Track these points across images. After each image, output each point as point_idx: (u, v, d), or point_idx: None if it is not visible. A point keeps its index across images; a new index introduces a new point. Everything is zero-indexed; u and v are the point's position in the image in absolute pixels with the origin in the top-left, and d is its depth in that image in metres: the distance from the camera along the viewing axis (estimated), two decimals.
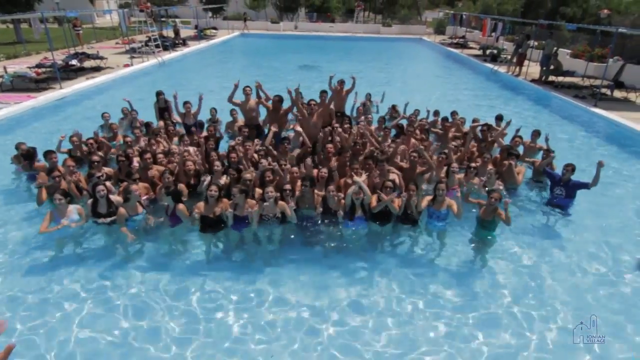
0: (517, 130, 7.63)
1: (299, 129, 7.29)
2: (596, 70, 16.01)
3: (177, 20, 36.71)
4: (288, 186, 5.53)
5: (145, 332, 4.19)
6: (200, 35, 28.52)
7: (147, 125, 8.30)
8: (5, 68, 14.34)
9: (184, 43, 24.86)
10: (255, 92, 8.30)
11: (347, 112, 9.38)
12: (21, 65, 15.77)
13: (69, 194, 5.60)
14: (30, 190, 6.72)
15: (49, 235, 5.28)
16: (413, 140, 7.66)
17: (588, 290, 4.89)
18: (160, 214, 5.69)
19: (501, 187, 6.41)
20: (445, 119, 8.91)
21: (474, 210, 5.92)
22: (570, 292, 4.85)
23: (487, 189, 6.29)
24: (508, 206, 5.15)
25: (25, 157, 6.90)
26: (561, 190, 6.33)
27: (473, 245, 5.61)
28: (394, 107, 10.04)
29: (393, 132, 8.36)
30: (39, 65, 15.16)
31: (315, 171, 6.21)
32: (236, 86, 8.12)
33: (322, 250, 5.47)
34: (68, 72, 15.17)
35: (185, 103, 8.62)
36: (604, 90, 13.57)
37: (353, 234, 5.62)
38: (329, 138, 7.14)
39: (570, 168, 6.26)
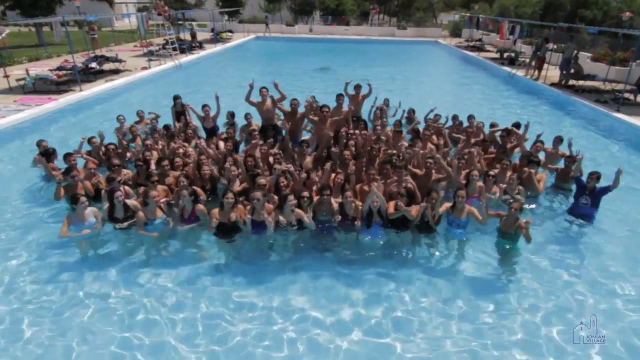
0: (538, 136, 7.46)
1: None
2: (618, 74, 15.65)
3: (193, 23, 37.19)
4: (306, 193, 5.50)
5: (158, 337, 4.20)
6: (217, 38, 28.80)
7: (166, 128, 8.38)
8: (27, 70, 14.67)
9: (200, 46, 25.14)
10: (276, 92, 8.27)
11: (364, 117, 9.31)
12: (43, 68, 16.13)
13: (87, 195, 5.69)
14: (50, 190, 6.81)
15: (67, 238, 5.34)
16: (430, 144, 7.56)
17: (617, 302, 4.74)
18: (175, 216, 5.70)
19: (521, 195, 6.26)
20: (460, 124, 8.78)
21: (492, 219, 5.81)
22: (598, 304, 4.70)
23: (506, 197, 6.16)
24: (529, 225, 5.02)
25: (43, 154, 7.06)
26: (587, 199, 6.13)
27: (494, 255, 5.47)
28: (411, 111, 9.95)
29: (408, 136, 8.29)
30: (59, 68, 15.48)
31: (332, 175, 6.16)
32: (251, 86, 8.11)
33: (339, 258, 5.41)
34: (88, 75, 15.48)
35: (204, 106, 8.69)
36: (626, 94, 13.24)
37: (370, 242, 5.55)
38: (344, 141, 7.10)
39: (595, 176, 6.06)
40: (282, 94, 8.29)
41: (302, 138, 8.09)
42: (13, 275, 5.00)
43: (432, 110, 9.16)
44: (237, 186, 6.15)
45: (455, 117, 9.23)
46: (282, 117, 8.51)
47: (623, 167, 5.95)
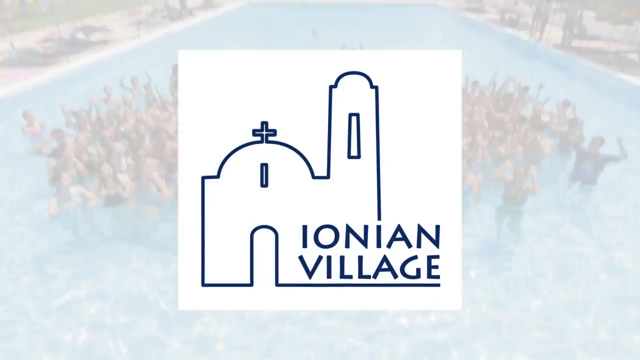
0: (545, 100, 7.25)
1: None
2: (623, 34, 15.17)
3: None
4: None
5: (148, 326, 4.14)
6: (207, 4, 27.76)
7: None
8: (12, 43, 14.10)
9: (190, 13, 24.24)
10: None
11: None
12: (28, 40, 15.51)
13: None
14: (38, 166, 6.57)
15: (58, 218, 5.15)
16: None
17: (621, 268, 4.69)
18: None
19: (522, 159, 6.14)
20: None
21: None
22: (601, 269, 4.66)
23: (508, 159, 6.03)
24: (535, 172, 4.88)
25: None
26: (589, 164, 5.94)
27: (498, 219, 5.36)
28: None
29: None
30: (45, 40, 14.90)
31: None
32: None
33: None
34: (75, 46, 14.90)
35: None
36: (631, 55, 12.86)
37: None
38: None
39: (598, 142, 5.85)
40: None
41: None
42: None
43: None
44: None
45: None
46: None
47: (626, 129, 5.76)
